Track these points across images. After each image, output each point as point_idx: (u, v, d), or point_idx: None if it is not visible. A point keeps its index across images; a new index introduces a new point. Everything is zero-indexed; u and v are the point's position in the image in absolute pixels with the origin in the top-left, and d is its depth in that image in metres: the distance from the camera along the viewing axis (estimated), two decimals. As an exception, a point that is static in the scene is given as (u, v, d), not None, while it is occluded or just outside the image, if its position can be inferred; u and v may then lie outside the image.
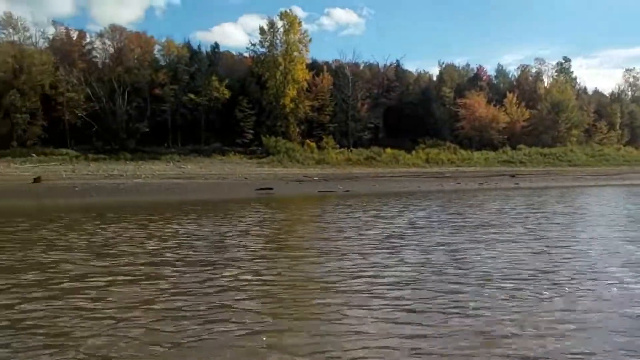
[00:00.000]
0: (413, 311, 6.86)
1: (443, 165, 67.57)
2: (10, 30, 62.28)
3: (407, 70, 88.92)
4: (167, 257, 10.53)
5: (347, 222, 16.31)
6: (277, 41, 69.64)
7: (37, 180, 40.58)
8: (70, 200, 29.30)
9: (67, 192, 34.21)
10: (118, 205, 25.10)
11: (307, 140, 68.09)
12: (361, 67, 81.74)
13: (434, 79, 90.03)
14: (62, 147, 59.57)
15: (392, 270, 9.21)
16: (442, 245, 11.91)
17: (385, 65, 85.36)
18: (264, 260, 10.03)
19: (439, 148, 73.10)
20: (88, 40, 69.30)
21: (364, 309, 6.97)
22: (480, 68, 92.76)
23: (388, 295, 7.61)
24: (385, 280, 8.50)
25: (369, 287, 8.02)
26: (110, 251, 11.41)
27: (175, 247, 11.75)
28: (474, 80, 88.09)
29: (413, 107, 78.33)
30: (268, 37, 69.52)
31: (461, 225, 15.31)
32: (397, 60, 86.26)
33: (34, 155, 56.16)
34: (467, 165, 68.75)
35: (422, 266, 9.49)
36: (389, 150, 68.66)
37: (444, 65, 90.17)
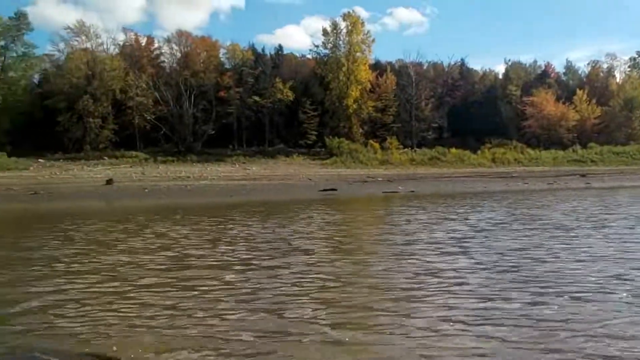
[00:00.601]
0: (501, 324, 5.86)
1: (510, 165, 65.85)
2: (83, 38, 64.46)
3: (472, 68, 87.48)
4: (240, 258, 10.29)
5: (415, 223, 15.35)
6: (340, 42, 69.76)
7: (109, 182, 41.72)
8: (142, 202, 29.91)
9: (138, 194, 34.99)
10: (187, 206, 25.37)
11: (371, 141, 67.62)
12: (425, 67, 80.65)
13: (500, 77, 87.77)
14: (131, 149, 61.27)
15: (468, 277, 8.17)
16: (519, 250, 10.55)
17: (449, 64, 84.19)
18: (335, 264, 9.48)
19: (505, 147, 71.22)
20: (156, 45, 71.51)
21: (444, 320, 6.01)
22: (548, 65, 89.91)
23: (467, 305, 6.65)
24: (464, 288, 7.53)
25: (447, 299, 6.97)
26: (181, 251, 11.33)
27: (247, 249, 11.44)
28: (541, 77, 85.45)
29: (478, 106, 76.74)
30: (331, 39, 69.71)
31: (534, 228, 14.37)
32: (462, 59, 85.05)
33: (105, 158, 58.01)
34: (535, 164, 66.69)
35: (504, 272, 8.41)
36: (453, 150, 67.38)
37: (510, 63, 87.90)
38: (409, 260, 9.48)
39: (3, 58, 63.47)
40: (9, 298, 7.23)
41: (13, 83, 63.19)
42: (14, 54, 63.76)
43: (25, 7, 65.40)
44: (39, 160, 55.80)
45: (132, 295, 7.37)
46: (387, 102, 71.98)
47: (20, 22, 62.68)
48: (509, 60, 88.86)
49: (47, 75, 63.95)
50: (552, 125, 76.19)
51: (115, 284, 8.08)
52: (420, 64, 78.80)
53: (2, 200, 31.39)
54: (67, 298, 7.22)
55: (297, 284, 7.79)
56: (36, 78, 67.67)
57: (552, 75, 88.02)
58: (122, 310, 6.61)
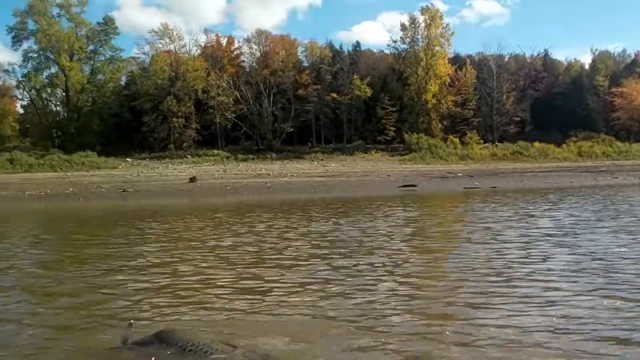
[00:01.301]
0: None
1: (597, 158, 63.01)
2: (167, 40, 66.52)
3: (555, 59, 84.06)
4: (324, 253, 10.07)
5: (501, 221, 14.54)
6: (419, 36, 68.85)
7: (192, 180, 42.78)
8: (225, 199, 30.48)
9: (220, 191, 35.79)
10: (268, 203, 25.61)
11: (450, 136, 66.37)
12: (506, 59, 78.06)
13: (586, 67, 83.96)
14: (213, 148, 62.67)
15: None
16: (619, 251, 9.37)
17: (532, 55, 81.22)
18: (418, 264, 9.08)
19: (593, 140, 68.26)
20: (236, 45, 72.82)
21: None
22: (638, 53, 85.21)
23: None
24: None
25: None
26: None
27: (330, 245, 11.16)
28: (631, 66, 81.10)
29: (563, 98, 73.71)
30: (409, 33, 68.85)
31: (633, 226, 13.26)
32: (545, 50, 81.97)
33: (188, 156, 59.63)
34: (625, 158, 63.47)
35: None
36: (537, 144, 65.18)
37: (597, 53, 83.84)
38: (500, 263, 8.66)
39: (92, 62, 66.63)
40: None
41: (102, 86, 66.24)
42: (102, 58, 66.97)
43: (111, 12, 67.79)
44: (127, 159, 57.98)
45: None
46: (467, 96, 70.37)
47: (107, 27, 65.59)
48: (596, 50, 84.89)
49: (134, 78, 66.28)
50: (643, 116, 72.37)
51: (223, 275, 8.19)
52: (501, 56, 76.32)
53: (94, 197, 32.84)
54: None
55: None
56: (123, 80, 70.40)
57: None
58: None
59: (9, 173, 50.77)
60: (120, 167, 55.29)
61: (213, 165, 56.30)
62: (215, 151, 61.50)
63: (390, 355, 4.58)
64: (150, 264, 9.38)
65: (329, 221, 15.72)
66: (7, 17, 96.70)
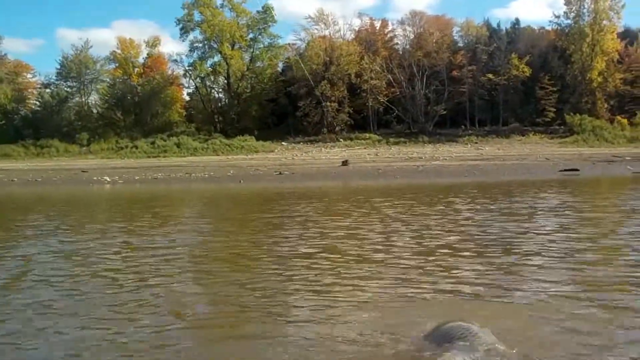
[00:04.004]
0: None
1: None
2: (322, 26, 68.02)
3: None
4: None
5: None
6: (584, 10, 64.14)
7: (344, 163, 43.27)
8: (377, 182, 30.34)
9: (372, 174, 35.81)
10: (418, 186, 25.19)
11: (618, 117, 61.63)
12: (686, 29, 70.86)
13: None
14: (365, 132, 63.18)
15: None
16: None
17: None
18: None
19: None
20: (390, 28, 72.45)
21: None
22: None
23: None
24: None
25: None
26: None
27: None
28: None
29: None
30: (574, 7, 64.40)
31: None
32: None
33: (341, 140, 60.64)
34: None
35: None
36: None
37: None
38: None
39: (252, 49, 69.75)
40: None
41: (260, 72, 69.16)
42: (261, 45, 69.77)
43: (269, 0, 70.08)
44: (282, 143, 60.21)
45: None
46: (638, 74, 64.72)
47: (266, 15, 68.22)
48: None
49: (290, 64, 68.32)
50: None
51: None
52: (680, 27, 69.42)
53: (252, 179, 34.40)
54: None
55: None
56: (280, 66, 72.86)
57: None
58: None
59: (177, 156, 54.92)
60: (275, 150, 57.62)
61: (365, 148, 56.87)
62: (367, 135, 61.99)
63: None
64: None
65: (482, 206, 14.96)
66: (177, 10, 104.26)
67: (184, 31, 68.27)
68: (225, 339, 4.58)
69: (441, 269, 6.94)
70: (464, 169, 38.02)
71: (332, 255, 7.89)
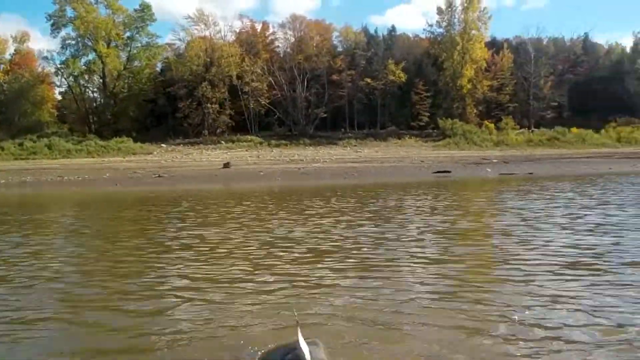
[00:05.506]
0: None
1: (637, 145, 61.43)
2: (202, 26, 66.96)
3: (596, 43, 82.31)
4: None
5: (542, 210, 13.53)
6: (455, 20, 68.03)
7: (226, 165, 42.98)
8: (258, 184, 30.38)
9: (253, 177, 35.84)
10: (300, 189, 25.51)
11: (486, 122, 65.54)
12: (545, 42, 76.63)
13: (628, 50, 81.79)
14: (247, 134, 62.85)
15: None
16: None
17: (571, 38, 79.60)
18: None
19: (633, 126, 66.49)
20: (271, 31, 72.64)
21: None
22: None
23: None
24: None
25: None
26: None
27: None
28: (675, 50, 78.72)
29: (603, 83, 71.95)
30: (446, 17, 68.13)
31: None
32: (585, 33, 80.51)
33: (222, 142, 59.94)
34: (667, 144, 61.87)
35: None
36: (574, 129, 64.14)
37: (639, 36, 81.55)
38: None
39: (129, 48, 67.35)
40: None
41: (138, 72, 66.88)
42: (139, 44, 67.52)
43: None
44: (162, 145, 58.55)
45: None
46: (504, 81, 69.44)
47: (144, 13, 66.10)
48: (638, 33, 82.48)
49: (169, 64, 66.72)
50: (689, 101, 70.22)
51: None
52: (539, 40, 74.92)
53: (130, 183, 33.25)
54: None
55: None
56: (159, 67, 70.96)
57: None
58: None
59: (48, 158, 51.86)
60: (155, 152, 55.88)
61: (246, 151, 56.54)
62: (249, 137, 61.67)
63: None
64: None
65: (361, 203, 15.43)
66: (47, 4, 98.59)
67: (55, 27, 64.74)
68: None
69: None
70: (343, 170, 38.76)
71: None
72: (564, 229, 10.10)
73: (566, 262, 7.18)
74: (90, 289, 6.50)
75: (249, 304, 5.63)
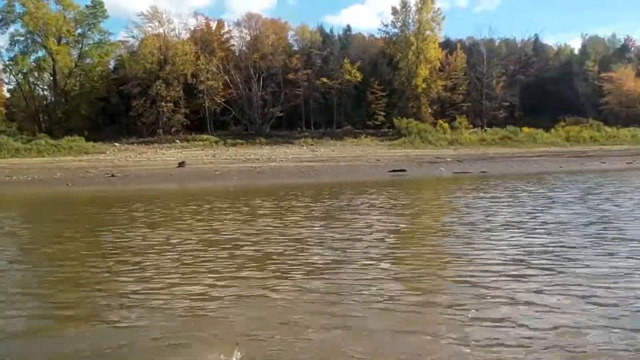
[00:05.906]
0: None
1: (585, 143, 63.04)
2: (156, 23, 65.81)
3: (546, 44, 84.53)
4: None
5: (496, 207, 14.20)
6: (410, 20, 68.74)
7: (181, 164, 42.53)
8: (214, 183, 30.39)
9: (209, 176, 35.66)
10: (256, 188, 25.60)
11: (440, 121, 66.39)
12: (497, 43, 78.24)
13: (576, 52, 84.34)
14: (202, 133, 62.27)
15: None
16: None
17: (522, 40, 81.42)
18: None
19: (581, 126, 68.32)
20: (226, 29, 71.99)
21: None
22: (628, 38, 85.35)
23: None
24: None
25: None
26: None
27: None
28: (621, 52, 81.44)
29: (552, 83, 73.96)
30: (400, 17, 68.78)
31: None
32: (535, 35, 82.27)
33: (177, 141, 59.26)
34: (613, 143, 63.54)
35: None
36: (525, 129, 65.46)
37: (587, 38, 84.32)
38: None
39: (80, 45, 65.80)
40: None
41: (90, 70, 65.35)
42: (91, 42, 66.04)
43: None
44: (115, 144, 57.53)
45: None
46: (457, 81, 70.57)
47: (96, 10, 64.66)
48: (586, 35, 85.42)
49: (122, 62, 65.52)
50: (632, 101, 72.61)
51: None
52: (491, 41, 76.46)
53: (82, 182, 32.65)
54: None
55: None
56: (111, 64, 69.58)
57: (633, 49, 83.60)
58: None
59: (-5, 158, 50.33)
60: (108, 152, 54.85)
61: (202, 150, 56.01)
62: (205, 136, 61.14)
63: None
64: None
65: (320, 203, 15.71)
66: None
67: (3, 23, 62.65)
68: None
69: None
70: (300, 170, 38.76)
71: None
72: (512, 227, 10.48)
73: (513, 259, 7.50)
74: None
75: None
